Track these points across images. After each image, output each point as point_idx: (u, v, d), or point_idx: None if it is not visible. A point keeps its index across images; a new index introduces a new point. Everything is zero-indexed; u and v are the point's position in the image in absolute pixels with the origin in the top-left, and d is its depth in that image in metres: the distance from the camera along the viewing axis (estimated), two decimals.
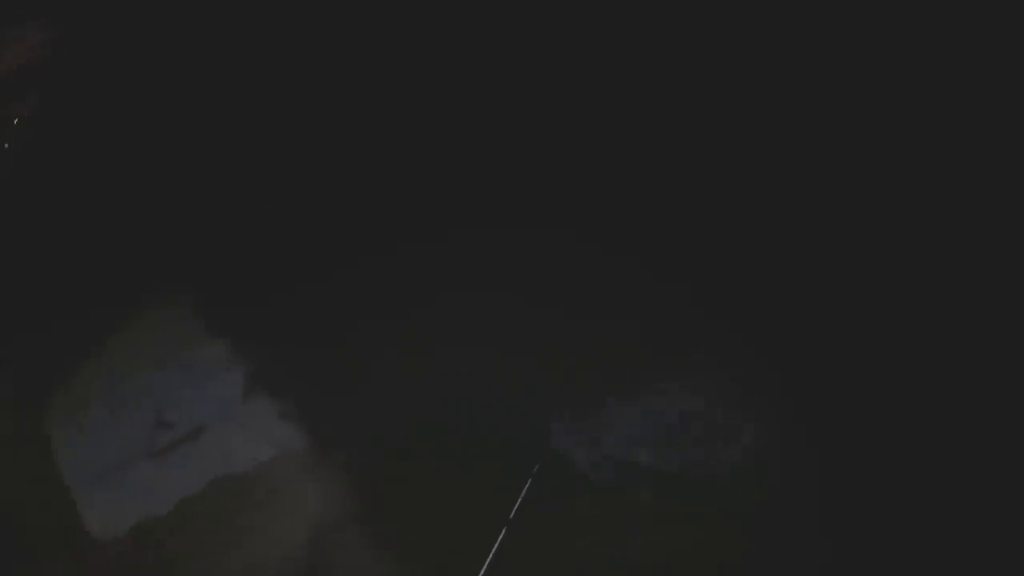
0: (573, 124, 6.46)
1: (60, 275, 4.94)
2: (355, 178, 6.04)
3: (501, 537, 4.38)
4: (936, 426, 5.21)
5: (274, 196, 5.76)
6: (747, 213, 6.08)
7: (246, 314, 5.44)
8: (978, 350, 5.39)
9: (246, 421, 4.72)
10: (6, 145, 2.09)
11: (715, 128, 6.28)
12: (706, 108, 6.23)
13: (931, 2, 5.73)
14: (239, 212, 5.80)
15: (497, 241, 6.04)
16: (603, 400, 5.60)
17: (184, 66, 5.43)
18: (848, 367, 5.50)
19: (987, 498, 4.92)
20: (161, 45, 5.21)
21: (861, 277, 5.75)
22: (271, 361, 5.19)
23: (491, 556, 4.27)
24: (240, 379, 4.92)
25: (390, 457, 5.03)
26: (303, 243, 5.76)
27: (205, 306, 5.33)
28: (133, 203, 5.30)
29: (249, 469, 4.54)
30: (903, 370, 5.40)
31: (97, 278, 4.95)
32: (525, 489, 4.55)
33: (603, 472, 5.23)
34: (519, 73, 6.35)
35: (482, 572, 4.28)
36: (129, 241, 5.25)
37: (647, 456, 5.33)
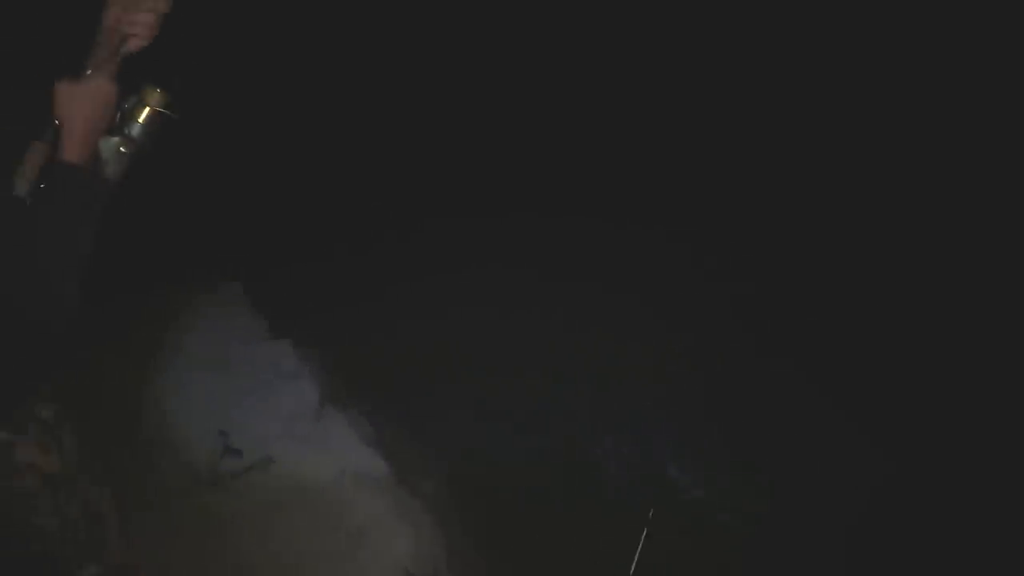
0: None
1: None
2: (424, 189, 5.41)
3: None
4: (952, 434, 5.02)
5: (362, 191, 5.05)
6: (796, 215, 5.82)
7: (301, 312, 4.65)
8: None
9: (322, 444, 3.94)
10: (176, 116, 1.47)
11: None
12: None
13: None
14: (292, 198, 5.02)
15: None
16: (639, 412, 5.17)
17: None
18: (877, 379, 5.22)
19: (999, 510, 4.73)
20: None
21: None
22: (337, 370, 4.41)
23: None
24: (309, 391, 4.13)
25: (475, 491, 4.36)
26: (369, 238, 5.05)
27: (256, 300, 4.51)
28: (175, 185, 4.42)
29: (332, 505, 3.76)
30: (928, 378, 5.17)
31: (132, 269, 4.04)
32: (643, 536, 3.99)
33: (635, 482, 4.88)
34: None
35: None
36: (163, 228, 4.36)
37: (677, 468, 4.97)
